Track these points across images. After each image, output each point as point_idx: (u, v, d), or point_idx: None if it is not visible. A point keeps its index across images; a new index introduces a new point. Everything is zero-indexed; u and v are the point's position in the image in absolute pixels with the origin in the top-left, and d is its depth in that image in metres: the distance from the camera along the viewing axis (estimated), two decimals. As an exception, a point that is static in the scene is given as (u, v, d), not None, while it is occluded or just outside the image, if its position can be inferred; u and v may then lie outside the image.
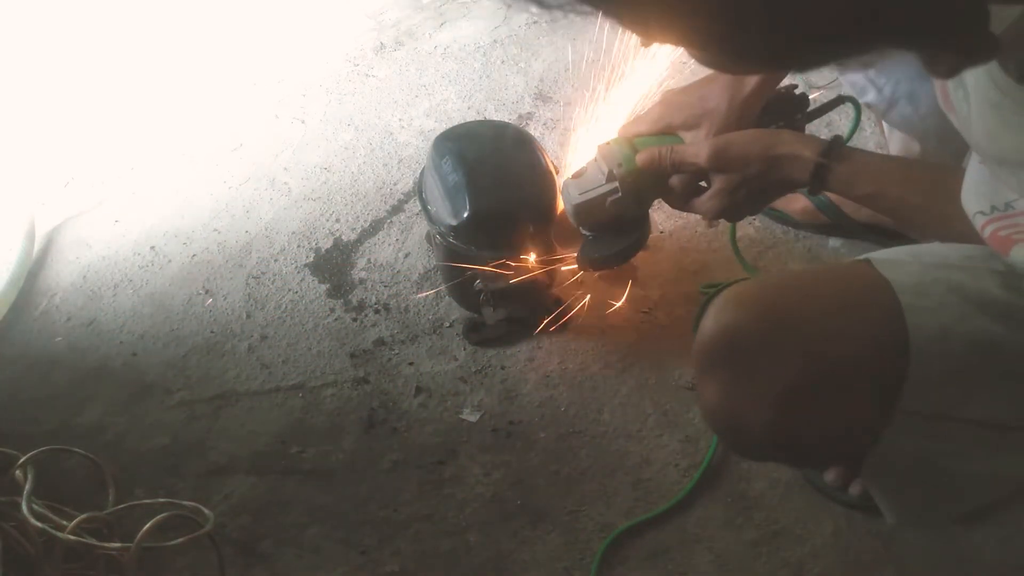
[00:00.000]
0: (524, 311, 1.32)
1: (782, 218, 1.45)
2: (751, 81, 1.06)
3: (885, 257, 0.84)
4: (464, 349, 1.34)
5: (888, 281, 0.79)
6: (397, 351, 1.35)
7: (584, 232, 1.18)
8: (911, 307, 0.77)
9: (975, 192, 0.79)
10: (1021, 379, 0.77)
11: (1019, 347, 0.76)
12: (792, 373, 0.79)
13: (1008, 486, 0.86)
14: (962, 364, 0.76)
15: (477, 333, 1.34)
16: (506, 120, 1.67)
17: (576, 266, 1.22)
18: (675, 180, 1.09)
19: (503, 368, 1.32)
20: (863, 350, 0.79)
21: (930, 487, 0.85)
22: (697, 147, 1.04)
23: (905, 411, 0.77)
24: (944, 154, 1.19)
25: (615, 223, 1.17)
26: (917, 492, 0.87)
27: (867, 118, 1.60)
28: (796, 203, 1.42)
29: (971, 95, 0.69)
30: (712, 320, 0.83)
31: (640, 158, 1.09)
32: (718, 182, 1.04)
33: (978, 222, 0.78)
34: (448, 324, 1.37)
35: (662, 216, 1.48)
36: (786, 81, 1.13)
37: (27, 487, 1.05)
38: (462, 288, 1.30)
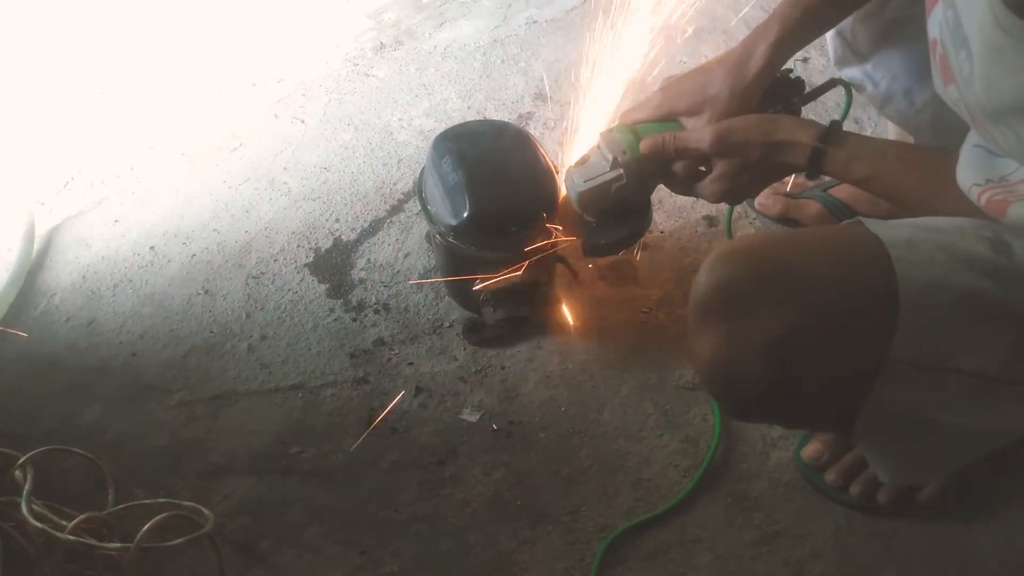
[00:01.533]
0: (524, 311, 1.32)
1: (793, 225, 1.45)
2: (753, 68, 1.07)
3: (875, 220, 0.85)
4: (464, 349, 1.34)
5: (878, 237, 0.81)
6: (397, 351, 1.35)
7: (588, 219, 1.19)
8: (900, 259, 0.79)
9: (971, 168, 0.81)
10: (1008, 334, 0.79)
11: (1006, 303, 0.78)
12: (785, 321, 0.80)
13: (997, 440, 0.87)
14: (951, 315, 0.78)
15: (477, 333, 1.34)
16: (506, 120, 1.67)
17: (581, 254, 1.23)
18: (678, 166, 1.10)
19: (503, 368, 1.31)
20: (854, 299, 0.81)
21: (922, 441, 0.87)
22: (700, 133, 1.06)
23: (896, 360, 0.79)
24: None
25: (618, 209, 1.18)
26: (909, 446, 0.89)
27: (865, 111, 1.61)
28: (809, 209, 1.43)
29: (974, 48, 0.70)
30: (705, 275, 0.85)
31: (644, 144, 1.11)
32: (720, 167, 1.06)
33: (973, 193, 0.80)
34: (448, 324, 1.37)
35: (662, 216, 1.48)
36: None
37: (26, 487, 1.05)
38: (462, 288, 1.30)
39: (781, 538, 1.12)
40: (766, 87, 1.10)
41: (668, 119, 1.14)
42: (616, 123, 1.17)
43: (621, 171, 1.13)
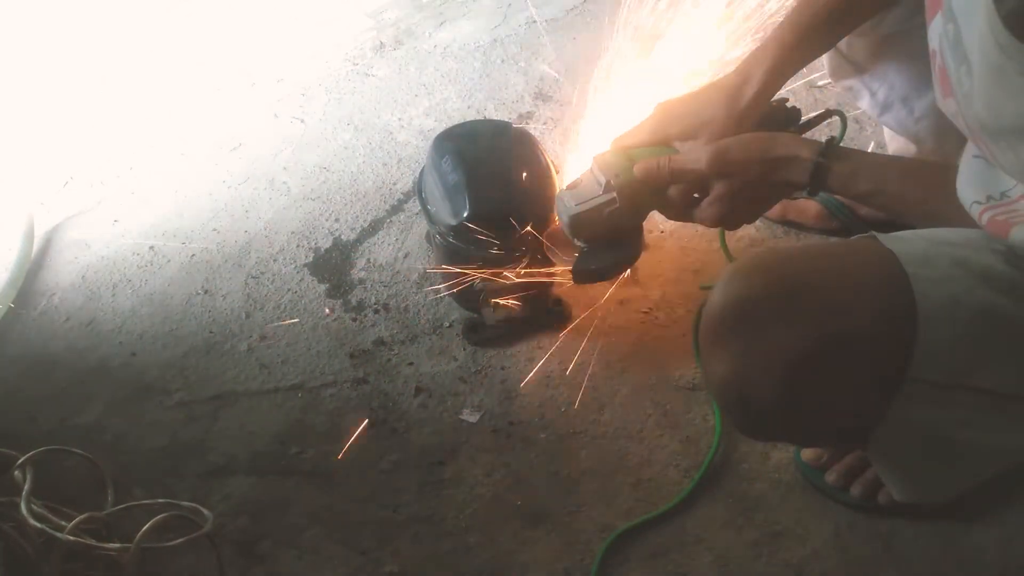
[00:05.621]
0: (524, 311, 1.31)
1: (793, 227, 1.45)
2: (749, 92, 1.06)
3: (890, 235, 0.84)
4: (464, 349, 1.34)
5: (894, 253, 0.80)
6: (397, 351, 1.35)
7: (578, 244, 1.17)
8: (918, 276, 0.78)
9: (971, 183, 0.80)
10: None
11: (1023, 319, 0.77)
12: (802, 340, 0.79)
13: (1015, 457, 0.86)
14: (969, 332, 0.77)
15: (477, 333, 1.34)
16: (506, 119, 1.67)
17: (572, 279, 1.22)
18: (673, 190, 1.08)
19: (503, 368, 1.31)
20: (872, 318, 0.80)
21: (938, 458, 0.86)
22: (697, 153, 1.04)
23: (914, 379, 0.78)
24: (940, 156, 1.19)
25: (610, 235, 1.16)
26: (924, 464, 0.88)
27: (867, 120, 1.60)
28: (809, 210, 1.42)
29: (974, 66, 0.69)
30: (720, 293, 0.84)
31: (638, 168, 1.08)
32: (718, 187, 1.03)
33: (975, 211, 0.79)
34: (448, 324, 1.37)
35: (662, 216, 1.47)
36: (779, 95, 1.13)
37: (26, 487, 1.05)
38: (462, 288, 1.29)
39: (781, 538, 1.11)
40: (762, 114, 1.09)
41: (662, 144, 1.12)
42: (609, 147, 1.15)
43: (614, 194, 1.10)
